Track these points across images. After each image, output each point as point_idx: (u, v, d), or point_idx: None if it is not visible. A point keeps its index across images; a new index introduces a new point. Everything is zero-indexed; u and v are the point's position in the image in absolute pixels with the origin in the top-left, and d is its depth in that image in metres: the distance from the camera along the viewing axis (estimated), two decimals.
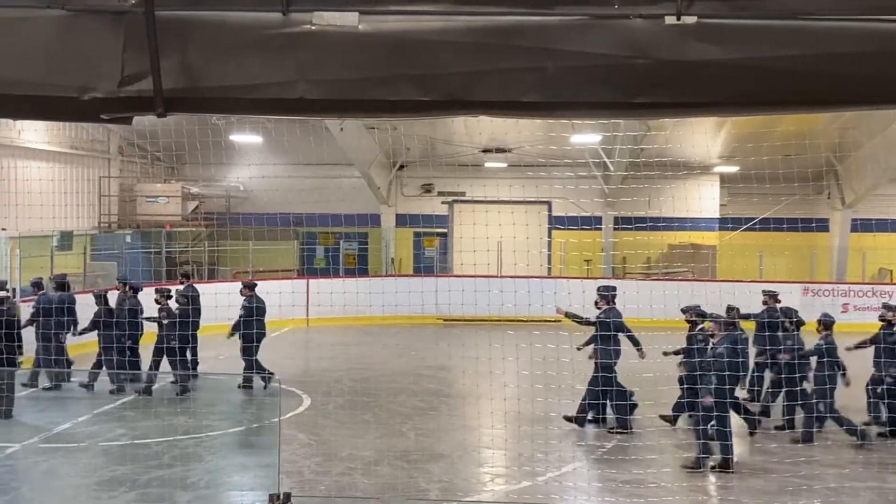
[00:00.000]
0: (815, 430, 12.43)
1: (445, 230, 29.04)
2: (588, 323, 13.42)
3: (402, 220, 29.02)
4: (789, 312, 13.44)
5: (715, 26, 3.36)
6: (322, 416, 14.06)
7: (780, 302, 14.09)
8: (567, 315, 13.69)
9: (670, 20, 3.32)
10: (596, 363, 12.98)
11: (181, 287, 16.41)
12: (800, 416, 12.69)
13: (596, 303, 13.49)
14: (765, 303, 14.27)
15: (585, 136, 23.24)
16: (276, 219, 26.10)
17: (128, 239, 24.92)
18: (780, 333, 13.33)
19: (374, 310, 19.89)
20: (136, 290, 16.19)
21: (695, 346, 12.32)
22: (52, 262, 20.79)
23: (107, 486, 10.53)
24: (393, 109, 3.52)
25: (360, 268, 27.55)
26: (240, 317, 15.84)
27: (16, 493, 10.38)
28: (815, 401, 12.49)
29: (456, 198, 28.83)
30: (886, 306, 13.05)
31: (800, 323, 13.26)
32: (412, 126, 22.97)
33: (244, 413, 14.72)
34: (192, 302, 16.13)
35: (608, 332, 12.97)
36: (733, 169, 26.36)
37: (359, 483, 10.73)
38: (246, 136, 25.14)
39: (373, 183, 27.90)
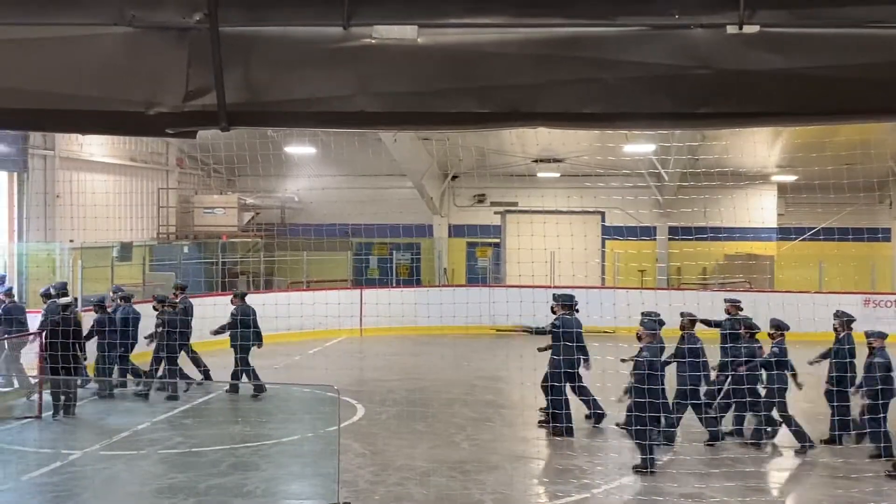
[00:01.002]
0: (765, 434, 12.65)
1: (498, 240, 29.00)
2: (540, 332, 13.87)
3: (454, 231, 29.07)
4: (748, 321, 13.46)
5: (777, 35, 3.32)
6: (376, 426, 14.10)
7: (742, 310, 14.14)
8: (524, 330, 14.34)
9: (732, 30, 3.29)
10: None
11: (177, 299, 16.81)
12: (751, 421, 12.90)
13: (552, 308, 13.88)
14: (727, 311, 14.24)
15: (639, 145, 23.06)
16: (330, 229, 26.37)
17: (185, 250, 25.30)
18: (742, 345, 13.20)
19: (427, 320, 19.90)
20: (127, 298, 16.62)
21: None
22: (113, 272, 21.19)
23: (166, 493, 10.68)
24: (452, 121, 3.54)
25: (413, 278, 27.63)
26: (228, 324, 16.37)
27: (78, 500, 10.59)
28: (752, 403, 12.73)
29: (509, 208, 28.78)
30: (836, 314, 13.23)
31: (754, 329, 13.28)
32: (465, 137, 23.02)
33: (299, 422, 14.82)
34: (184, 313, 16.54)
35: (561, 339, 13.28)
36: (791, 178, 25.92)
37: (413, 493, 10.74)
38: (301, 148, 25.40)
39: (426, 193, 27.99)
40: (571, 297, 13.89)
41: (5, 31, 3.39)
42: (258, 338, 16.42)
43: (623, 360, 12.94)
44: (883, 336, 12.36)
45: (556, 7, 3.38)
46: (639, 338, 12.26)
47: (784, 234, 26.42)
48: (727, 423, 13.16)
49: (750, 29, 3.29)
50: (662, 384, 12.00)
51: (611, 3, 3.35)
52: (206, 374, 16.43)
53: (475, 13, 3.42)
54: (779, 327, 12.90)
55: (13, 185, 20.51)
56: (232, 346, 16.30)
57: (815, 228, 26.43)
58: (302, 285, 24.36)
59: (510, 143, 25.90)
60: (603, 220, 28.09)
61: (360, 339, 23.49)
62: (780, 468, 12.57)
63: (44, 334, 14.58)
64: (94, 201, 21.57)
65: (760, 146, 23.45)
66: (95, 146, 22.91)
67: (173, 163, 27.25)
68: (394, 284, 25.88)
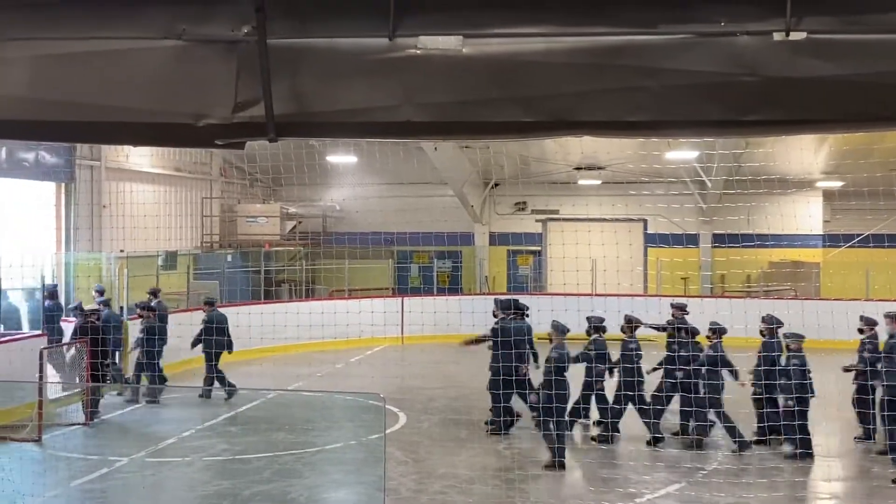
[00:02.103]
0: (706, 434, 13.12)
1: (539, 248, 28.94)
2: (482, 340, 14.51)
3: (495, 239, 29.07)
4: (692, 329, 13.87)
5: (825, 42, 3.29)
6: (418, 434, 14.13)
7: (688, 314, 14.54)
8: (469, 343, 15.02)
9: (779, 36, 3.26)
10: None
11: (151, 303, 17.16)
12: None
13: (493, 313, 14.60)
14: (673, 315, 14.61)
15: (682, 152, 22.89)
16: (371, 238, 26.50)
17: (229, 258, 25.57)
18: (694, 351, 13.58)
19: (469, 328, 19.90)
20: (106, 303, 17.10)
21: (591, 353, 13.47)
22: (158, 281, 21.48)
23: (211, 500, 10.80)
24: (497, 131, 3.55)
25: (454, 286, 27.66)
26: (200, 332, 16.83)
27: None
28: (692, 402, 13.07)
29: (549, 215, 28.72)
30: (764, 319, 13.60)
31: (694, 332, 13.75)
32: (506, 145, 22.99)
33: (342, 430, 14.89)
34: (159, 319, 16.95)
35: (499, 346, 13.70)
36: (838, 184, 25.56)
37: (456, 501, 10.74)
38: (342, 157, 25.58)
39: (466, 201, 28.03)
40: (514, 302, 14.50)
41: (60, 46, 3.47)
42: (230, 345, 16.95)
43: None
44: (800, 338, 12.80)
45: (601, 16, 3.38)
46: (550, 339, 12.90)
47: (830, 240, 26.04)
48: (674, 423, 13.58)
49: (797, 36, 3.26)
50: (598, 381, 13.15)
51: (656, 11, 3.34)
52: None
53: (520, 23, 3.43)
54: (714, 330, 13.36)
55: (61, 195, 20.89)
56: (204, 352, 16.77)
57: (862, 235, 26.03)
58: (344, 293, 24.52)
59: (552, 151, 25.85)
60: (645, 228, 27.91)
61: (401, 346, 23.57)
62: (826, 478, 12.38)
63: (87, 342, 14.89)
64: (140, 211, 21.90)
65: (805, 152, 23.17)
66: (141, 156, 23.27)
67: (217, 173, 27.58)
68: (435, 292, 25.92)
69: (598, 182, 27.25)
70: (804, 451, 12.26)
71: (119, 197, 21.89)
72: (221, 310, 17.67)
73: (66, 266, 20.68)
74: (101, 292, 17.45)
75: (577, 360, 13.32)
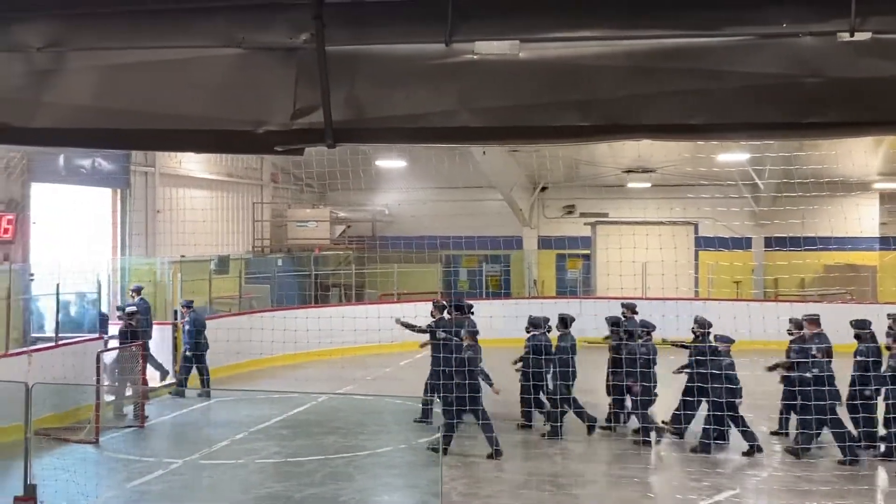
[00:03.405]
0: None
1: (588, 252, 28.76)
2: (421, 330, 15.11)
3: (544, 243, 28.94)
4: (646, 324, 14.59)
5: (890, 42, 3.22)
6: (467, 438, 14.10)
7: (637, 314, 15.44)
8: (399, 322, 15.46)
9: (843, 37, 3.21)
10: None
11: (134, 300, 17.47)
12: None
13: (431, 312, 15.28)
14: (624, 315, 15.38)
15: (734, 154, 22.56)
16: (420, 242, 26.55)
17: (279, 262, 25.80)
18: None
19: (518, 332, 19.84)
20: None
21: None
22: (211, 285, 21.76)
23: (264, 502, 10.92)
24: (555, 135, 3.54)
25: (503, 291, 27.59)
26: (185, 332, 17.29)
27: None
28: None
29: (599, 219, 28.53)
30: (696, 321, 14.08)
31: (650, 330, 14.41)
32: (555, 148, 22.91)
33: (391, 434, 14.94)
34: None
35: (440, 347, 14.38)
36: (894, 185, 25.03)
37: None
38: (391, 162, 25.68)
39: (515, 205, 27.97)
40: (461, 299, 15.28)
41: (124, 56, 3.54)
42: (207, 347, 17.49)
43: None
44: (728, 341, 13.34)
45: (659, 19, 3.35)
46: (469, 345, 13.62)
47: (887, 243, 25.48)
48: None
49: (862, 36, 3.20)
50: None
51: (716, 13, 3.30)
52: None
53: (576, 27, 3.42)
54: (645, 326, 14.37)
55: (117, 201, 21.26)
56: (194, 354, 17.22)
57: None
58: (393, 297, 24.59)
59: (601, 154, 25.69)
60: (696, 231, 27.59)
61: None
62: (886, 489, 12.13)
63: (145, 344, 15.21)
64: (193, 216, 22.20)
65: (861, 154, 22.69)
66: (193, 162, 23.59)
67: (268, 178, 27.86)
68: (484, 296, 25.87)
69: (648, 185, 26.99)
70: (751, 446, 12.77)
71: (173, 202, 22.22)
72: (275, 313, 17.93)
73: (121, 271, 21.03)
74: (138, 291, 17.72)
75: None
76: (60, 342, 15.46)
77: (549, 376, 14.49)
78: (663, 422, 13.82)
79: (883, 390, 12.62)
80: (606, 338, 15.33)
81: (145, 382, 15.84)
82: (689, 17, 3.32)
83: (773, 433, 13.80)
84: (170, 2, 3.46)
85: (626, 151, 25.27)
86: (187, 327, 17.25)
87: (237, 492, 11.58)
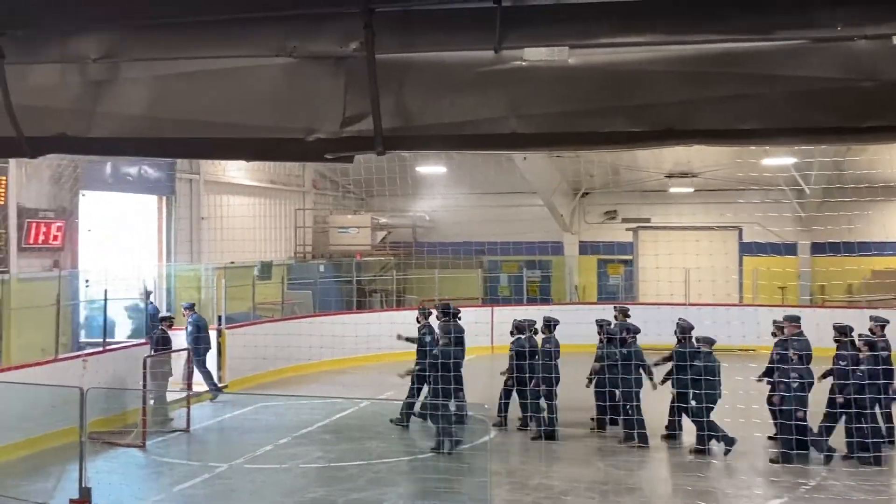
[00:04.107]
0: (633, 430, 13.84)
1: (630, 257, 28.58)
2: (412, 340, 15.71)
3: (585, 248, 28.79)
4: (633, 328, 15.14)
5: None
6: (509, 445, 14.10)
7: (629, 317, 15.97)
8: (402, 338, 16.14)
9: None
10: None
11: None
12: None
13: (417, 318, 16.14)
14: (616, 317, 16.02)
15: (779, 158, 22.30)
16: (461, 247, 26.56)
17: (321, 268, 25.96)
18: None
19: (559, 338, 19.79)
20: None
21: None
22: (254, 291, 21.96)
23: None
24: (605, 141, 3.52)
25: (543, 297, 27.50)
26: (188, 333, 17.30)
27: None
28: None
29: (641, 224, 28.34)
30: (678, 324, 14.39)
31: (636, 333, 15.00)
32: (596, 153, 22.80)
33: (434, 438, 14.94)
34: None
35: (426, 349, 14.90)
36: None
37: None
38: (432, 168, 25.74)
39: (555, 211, 27.87)
40: (448, 307, 15.70)
41: (177, 65, 3.59)
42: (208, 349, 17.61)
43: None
44: (710, 342, 13.73)
45: (709, 23, 3.32)
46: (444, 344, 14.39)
47: None
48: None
49: None
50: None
51: (768, 17, 3.26)
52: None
53: (626, 32, 3.39)
54: (628, 330, 14.99)
55: (163, 208, 21.56)
56: (196, 358, 17.18)
57: None
58: (434, 303, 24.61)
59: (643, 159, 25.52)
60: (740, 236, 27.29)
61: (490, 356, 23.50)
62: None
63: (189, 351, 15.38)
64: (237, 223, 22.44)
65: None
66: (237, 170, 23.86)
67: (309, 184, 28.07)
68: (525, 302, 25.81)
69: (691, 189, 26.76)
70: (727, 447, 13.04)
71: (217, 209, 22.47)
72: (317, 319, 18.03)
73: (166, 277, 21.31)
74: (191, 308, 17.90)
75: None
76: (108, 347, 15.70)
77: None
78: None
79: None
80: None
81: (190, 388, 16.02)
82: (740, 22, 3.29)
83: (769, 438, 13.68)
84: (222, 12, 3.50)
85: (668, 156, 25.08)
86: (189, 328, 17.30)
87: (281, 496, 11.67)
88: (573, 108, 3.47)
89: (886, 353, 13.19)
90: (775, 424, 13.29)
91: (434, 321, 15.72)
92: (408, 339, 16.01)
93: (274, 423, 15.84)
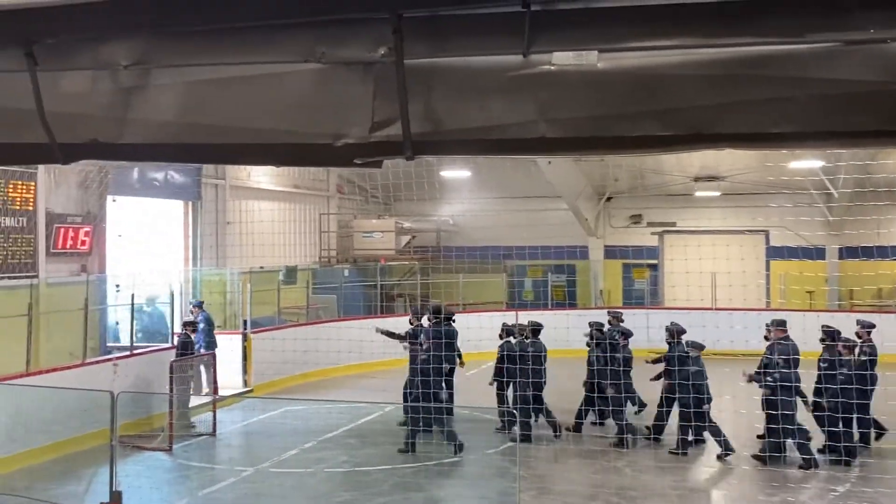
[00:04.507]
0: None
1: (656, 261, 28.43)
2: (400, 337, 15.85)
3: (610, 252, 28.68)
4: (626, 332, 15.58)
5: None
6: (534, 449, 14.05)
7: (623, 321, 16.40)
8: (378, 331, 16.30)
9: None
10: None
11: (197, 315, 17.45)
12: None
13: (410, 319, 16.22)
14: (609, 322, 16.26)
15: (806, 161, 22.10)
16: (485, 252, 26.53)
17: (346, 273, 26.03)
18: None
19: (584, 343, 19.71)
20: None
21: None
22: (279, 295, 22.04)
23: None
24: (634, 146, 3.50)
25: (568, 301, 27.39)
26: (201, 330, 17.17)
27: None
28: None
29: (666, 228, 28.19)
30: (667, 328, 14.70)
31: (629, 336, 15.49)
32: (621, 157, 22.71)
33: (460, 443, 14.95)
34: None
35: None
36: None
37: None
38: (455, 172, 25.74)
39: (580, 215, 27.78)
40: (439, 308, 15.86)
41: (208, 72, 3.62)
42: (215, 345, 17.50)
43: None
44: (700, 347, 14.06)
45: (741, 26, 3.29)
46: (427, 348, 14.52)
47: None
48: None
49: None
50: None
51: (799, 19, 3.23)
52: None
53: (656, 36, 3.37)
54: (623, 334, 15.33)
55: (188, 213, 21.71)
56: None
57: None
58: (458, 308, 24.60)
59: (667, 162, 25.40)
60: (767, 241, 27.07)
61: None
62: None
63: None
64: (262, 228, 22.54)
65: None
66: (262, 175, 23.98)
67: (334, 189, 28.16)
68: (549, 307, 25.73)
69: (717, 193, 26.58)
70: (726, 451, 13.24)
71: (242, 214, 22.59)
72: (341, 323, 18.06)
73: (192, 281, 21.45)
74: (199, 305, 17.90)
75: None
76: (135, 351, 15.82)
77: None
78: (647, 427, 14.60)
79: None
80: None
81: (216, 391, 16.09)
82: (771, 25, 3.26)
83: (759, 437, 13.75)
84: (252, 19, 3.51)
85: (694, 160, 24.93)
86: (202, 325, 17.26)
87: (307, 500, 11.70)
88: (602, 112, 3.46)
89: (873, 357, 13.48)
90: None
91: (426, 323, 15.83)
92: (385, 333, 16.27)
93: (299, 427, 15.89)
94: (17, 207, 16.02)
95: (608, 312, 17.25)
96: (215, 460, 13.90)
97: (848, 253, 24.07)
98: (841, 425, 12.62)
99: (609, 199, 28.62)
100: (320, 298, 24.09)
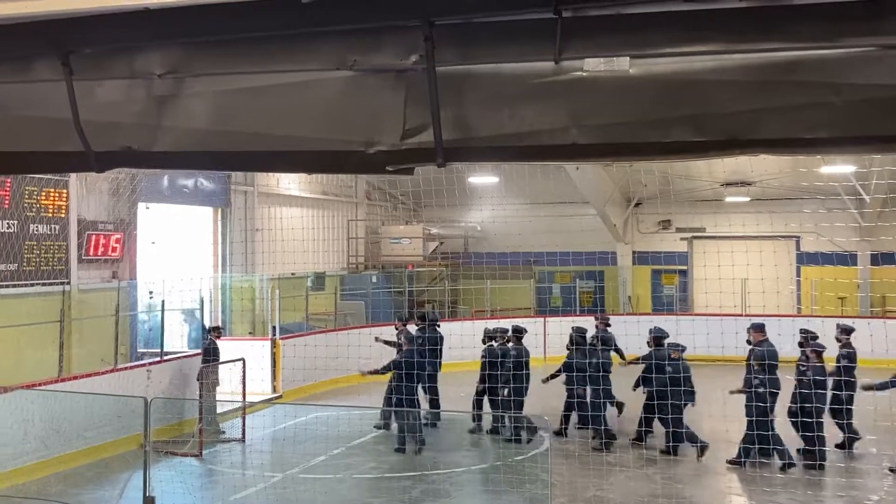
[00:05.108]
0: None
1: (685, 267, 28.23)
2: (394, 345, 15.98)
3: (639, 258, 28.52)
4: (606, 338, 16.05)
5: None
6: (564, 456, 13.98)
7: (610, 325, 16.82)
8: (379, 340, 16.67)
9: None
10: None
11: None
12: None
13: (395, 325, 16.68)
14: (597, 327, 16.61)
15: (837, 166, 21.85)
16: (513, 258, 26.47)
17: (374, 279, 26.07)
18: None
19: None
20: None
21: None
22: (307, 301, 22.12)
23: None
24: (666, 151, 3.49)
25: (596, 307, 27.26)
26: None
27: None
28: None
29: (695, 233, 27.98)
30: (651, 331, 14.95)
31: (607, 343, 15.91)
32: (650, 162, 22.59)
33: (486, 450, 14.91)
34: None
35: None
36: None
37: None
38: (483, 178, 25.72)
39: (608, 220, 27.66)
40: (434, 314, 16.43)
41: (242, 80, 3.65)
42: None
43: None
44: (679, 348, 14.30)
45: (774, 31, 3.27)
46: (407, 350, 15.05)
47: None
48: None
49: None
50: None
51: (833, 24, 3.20)
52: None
53: (689, 41, 3.36)
54: (603, 341, 15.72)
55: (218, 219, 21.86)
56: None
57: None
58: (486, 314, 24.58)
59: (696, 167, 25.22)
60: (798, 246, 26.80)
61: (543, 366, 23.36)
62: None
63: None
64: (290, 235, 22.63)
65: None
66: (290, 182, 24.09)
67: (362, 195, 28.23)
68: (577, 313, 25.62)
69: (747, 199, 26.36)
70: (675, 445, 13.64)
71: (270, 221, 22.70)
72: (370, 329, 18.11)
73: (221, 288, 21.58)
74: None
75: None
76: (166, 357, 15.94)
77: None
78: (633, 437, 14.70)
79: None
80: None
81: (244, 397, 16.15)
82: (805, 30, 3.23)
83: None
84: (284, 28, 3.54)
85: (723, 165, 24.74)
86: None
87: None
88: (634, 118, 3.45)
89: (851, 362, 13.66)
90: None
91: (413, 328, 16.31)
92: (384, 342, 16.53)
93: (327, 433, 15.91)
94: (50, 215, 16.21)
95: (595, 317, 17.48)
96: (245, 466, 13.96)
97: (881, 259, 23.75)
98: (813, 430, 12.85)
99: (637, 204, 28.47)
100: (348, 304, 24.14)
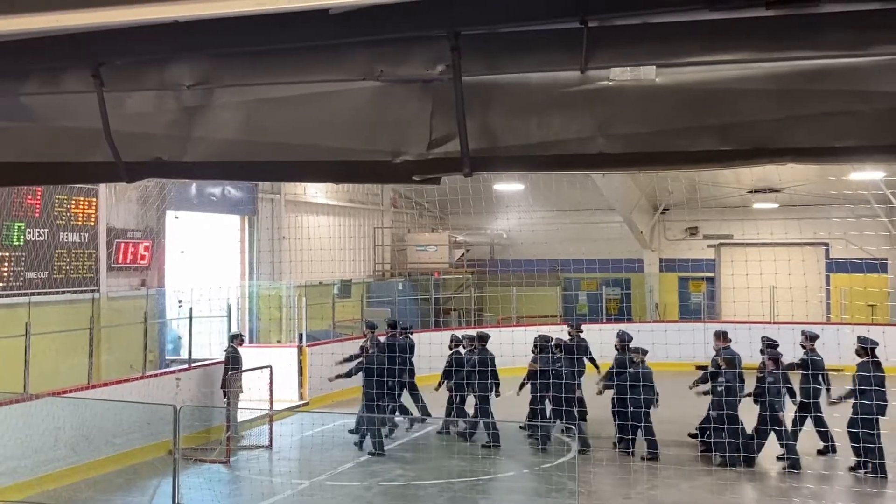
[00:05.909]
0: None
1: (712, 274, 28.04)
2: (357, 357, 16.18)
3: (666, 265, 28.37)
4: (569, 347, 15.80)
5: None
6: (590, 464, 13.92)
7: (581, 332, 16.82)
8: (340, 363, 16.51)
9: None
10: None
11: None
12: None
13: (364, 332, 16.81)
14: (570, 334, 16.60)
15: (867, 173, 21.62)
16: (539, 265, 26.41)
17: (400, 286, 26.11)
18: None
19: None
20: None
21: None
22: (334, 309, 22.19)
23: None
24: (693, 160, 3.48)
25: (622, 315, 27.12)
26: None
27: None
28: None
29: (723, 240, 27.80)
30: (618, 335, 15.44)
31: (570, 352, 15.73)
32: (678, 171, 22.47)
33: (513, 458, 14.87)
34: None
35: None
36: None
37: None
38: (509, 185, 25.70)
39: (635, 227, 27.55)
40: (394, 322, 17.00)
41: (269, 91, 3.68)
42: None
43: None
44: (641, 352, 14.62)
45: (801, 40, 3.25)
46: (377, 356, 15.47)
47: None
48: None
49: None
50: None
51: (860, 33, 3.18)
52: (424, 410, 16.82)
53: (715, 50, 3.35)
54: (570, 348, 15.67)
55: (245, 227, 22.01)
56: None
57: None
58: (512, 321, 24.53)
59: (723, 174, 25.07)
60: (827, 253, 26.54)
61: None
62: None
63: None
64: (317, 243, 22.73)
65: None
66: (317, 190, 24.21)
67: (388, 203, 28.31)
68: (603, 320, 25.51)
69: (775, 205, 26.16)
70: (650, 452, 14.03)
71: (297, 229, 22.82)
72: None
73: (249, 295, 21.71)
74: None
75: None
76: (193, 364, 16.05)
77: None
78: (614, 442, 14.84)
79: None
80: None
81: (271, 405, 16.22)
82: (833, 38, 3.22)
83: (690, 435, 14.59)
84: (311, 38, 3.57)
85: (750, 172, 24.55)
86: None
87: None
88: (661, 127, 3.44)
89: (816, 369, 13.93)
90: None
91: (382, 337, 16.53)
92: (346, 361, 16.49)
93: (354, 440, 15.94)
94: (80, 223, 16.39)
95: (568, 324, 17.71)
96: (272, 473, 14.03)
97: None
98: (783, 437, 13.38)
99: (664, 211, 28.33)
100: (374, 312, 24.17)
